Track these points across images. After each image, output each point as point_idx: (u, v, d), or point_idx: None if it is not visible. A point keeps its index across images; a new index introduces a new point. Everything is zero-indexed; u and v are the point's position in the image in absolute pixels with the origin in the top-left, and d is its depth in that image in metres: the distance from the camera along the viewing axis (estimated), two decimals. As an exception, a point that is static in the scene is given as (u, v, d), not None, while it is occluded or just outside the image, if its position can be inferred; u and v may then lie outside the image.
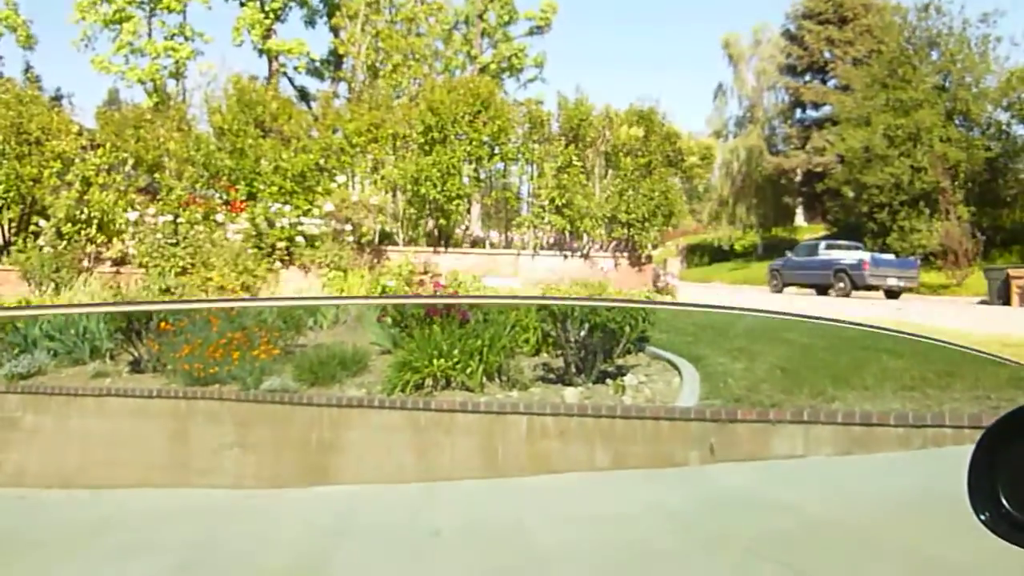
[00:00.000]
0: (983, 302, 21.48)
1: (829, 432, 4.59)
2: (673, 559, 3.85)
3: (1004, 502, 1.28)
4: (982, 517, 1.29)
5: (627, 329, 6.23)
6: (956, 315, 14.34)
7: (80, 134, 15.70)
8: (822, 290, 24.38)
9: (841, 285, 23.54)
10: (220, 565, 4.20)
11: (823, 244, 26.98)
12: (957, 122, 31.68)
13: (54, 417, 6.01)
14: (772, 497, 4.46)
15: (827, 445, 4.43)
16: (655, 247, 17.07)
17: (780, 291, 26.08)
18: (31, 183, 14.79)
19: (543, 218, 15.87)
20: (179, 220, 14.53)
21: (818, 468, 4.73)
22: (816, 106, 42.88)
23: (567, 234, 16.01)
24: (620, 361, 6.76)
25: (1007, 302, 20.43)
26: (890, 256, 25.20)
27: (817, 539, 3.88)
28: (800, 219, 46.58)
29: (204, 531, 4.85)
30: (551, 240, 16.35)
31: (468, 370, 6.03)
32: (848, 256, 24.37)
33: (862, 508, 4.29)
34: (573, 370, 6.42)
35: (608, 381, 6.35)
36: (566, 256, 16.11)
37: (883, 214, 30.37)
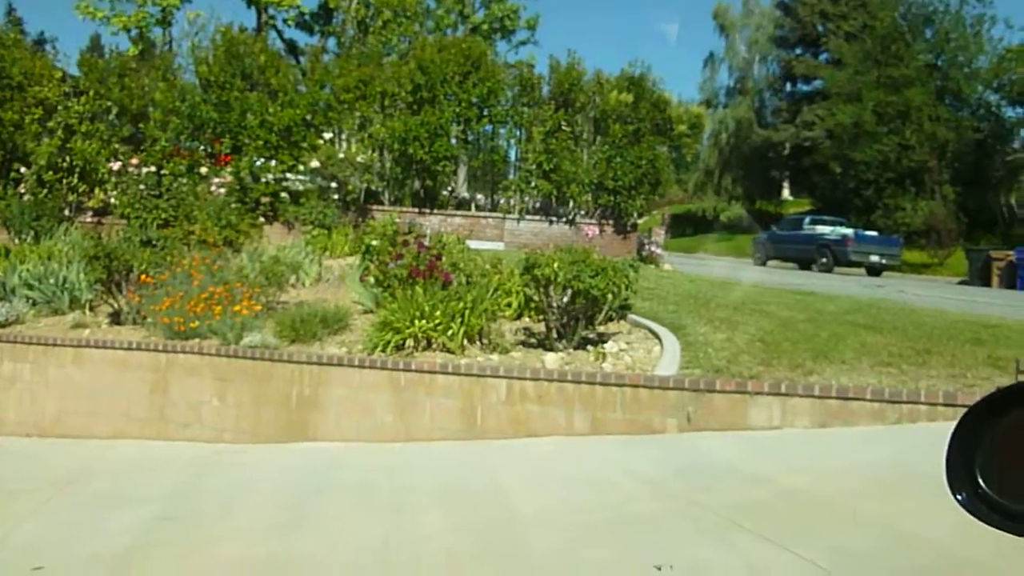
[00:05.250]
0: (963, 282, 21.68)
1: (806, 405, 4.62)
2: (648, 524, 3.90)
3: (981, 482, 1.28)
4: (959, 497, 1.30)
5: (610, 296, 6.19)
6: (941, 295, 14.44)
7: (63, 80, 15.46)
8: (805, 264, 24.46)
9: (823, 260, 23.61)
10: (197, 517, 4.20)
11: (807, 219, 26.99)
12: (947, 101, 31.68)
13: (32, 367, 5.92)
14: (748, 467, 4.50)
15: (804, 417, 4.48)
16: (641, 215, 17.05)
17: (763, 264, 26.14)
18: (12, 129, 14.58)
19: (530, 182, 15.81)
20: (162, 172, 14.38)
21: (794, 440, 4.76)
22: (807, 80, 42.66)
23: (553, 199, 15.98)
24: (602, 328, 6.72)
25: (987, 283, 20.62)
26: (873, 233, 25.28)
27: (792, 509, 3.93)
28: (786, 193, 46.62)
29: (182, 483, 4.82)
30: (537, 205, 16.31)
31: (449, 332, 5.99)
32: (832, 231, 24.42)
33: (837, 480, 4.33)
34: (554, 335, 6.37)
35: (589, 347, 6.31)
36: (551, 221, 16.09)
37: (869, 191, 30.44)
